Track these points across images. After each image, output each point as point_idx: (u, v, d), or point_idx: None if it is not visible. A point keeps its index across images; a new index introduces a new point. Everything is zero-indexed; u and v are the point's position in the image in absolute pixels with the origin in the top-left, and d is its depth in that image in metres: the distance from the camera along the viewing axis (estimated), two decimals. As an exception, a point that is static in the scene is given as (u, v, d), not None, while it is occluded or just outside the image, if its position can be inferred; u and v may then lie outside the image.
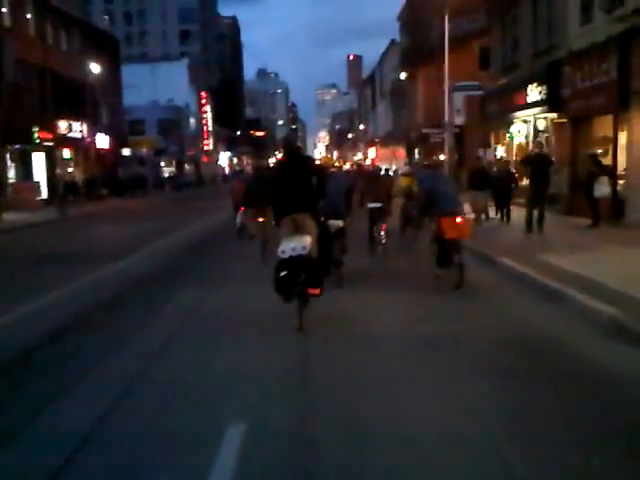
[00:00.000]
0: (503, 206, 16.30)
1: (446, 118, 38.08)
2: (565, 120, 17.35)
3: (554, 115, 18.03)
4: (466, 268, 8.98)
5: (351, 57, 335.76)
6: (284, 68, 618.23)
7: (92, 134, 39.09)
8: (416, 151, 46.47)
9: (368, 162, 78.88)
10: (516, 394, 4.89)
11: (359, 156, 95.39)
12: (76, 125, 36.63)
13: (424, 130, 42.62)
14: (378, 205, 12.07)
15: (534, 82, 18.34)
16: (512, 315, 7.58)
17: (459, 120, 23.02)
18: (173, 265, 12.51)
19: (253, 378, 5.35)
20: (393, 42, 59.32)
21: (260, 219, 12.31)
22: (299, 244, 6.48)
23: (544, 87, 17.64)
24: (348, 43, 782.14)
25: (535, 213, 13.87)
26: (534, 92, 18.30)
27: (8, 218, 23.14)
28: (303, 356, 6.00)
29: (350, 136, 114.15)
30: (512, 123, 20.82)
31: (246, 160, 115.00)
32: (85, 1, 45.13)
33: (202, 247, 15.37)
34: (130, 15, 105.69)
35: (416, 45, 47.49)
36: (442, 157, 44.18)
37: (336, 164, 65.82)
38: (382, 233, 11.98)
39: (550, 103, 17.44)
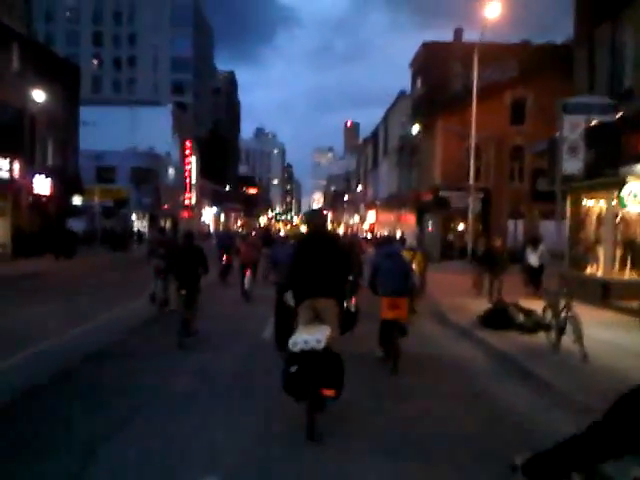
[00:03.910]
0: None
1: (471, 180, 30.54)
2: None
3: None
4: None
5: (349, 124, 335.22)
6: (281, 130, 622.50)
7: (28, 176, 31.01)
8: (429, 219, 38.59)
9: (366, 226, 71.43)
10: None
11: (356, 219, 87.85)
12: (3, 163, 28.60)
13: (442, 193, 34.92)
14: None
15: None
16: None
17: (573, 166, 11.96)
18: None
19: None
20: (402, 94, 52.40)
21: (183, 292, 10.27)
22: (313, 336, 5.74)
23: None
24: (345, 110, 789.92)
25: None
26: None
27: None
28: None
29: (346, 198, 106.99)
30: (624, 182, 12.82)
31: (234, 217, 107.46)
32: (30, 16, 37.46)
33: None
34: (119, 61, 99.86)
35: (433, 95, 40.46)
36: (461, 227, 36.55)
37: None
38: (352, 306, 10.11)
39: None
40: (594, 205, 15.62)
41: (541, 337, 10.39)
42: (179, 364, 8.83)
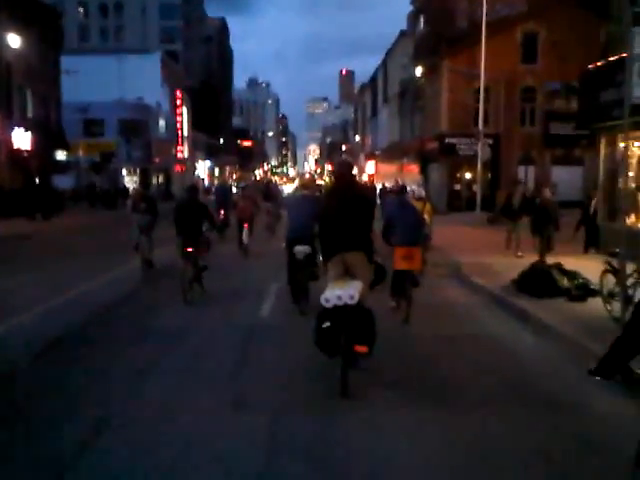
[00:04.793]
0: None
1: (480, 125, 28.47)
2: None
3: None
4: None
5: (343, 72, 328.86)
6: (275, 80, 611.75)
7: (6, 129, 28.90)
8: (434, 168, 36.59)
9: (365, 178, 69.39)
10: None
11: (354, 171, 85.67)
12: (-23, 115, 26.51)
13: (448, 140, 32.90)
14: None
15: None
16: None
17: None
18: None
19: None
20: (403, 34, 49.58)
21: (189, 249, 9.75)
22: (346, 292, 5.60)
23: None
24: (339, 59, 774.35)
25: None
26: None
27: None
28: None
29: (344, 148, 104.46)
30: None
31: (229, 171, 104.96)
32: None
33: None
34: (106, 7, 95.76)
35: (437, 33, 37.92)
36: (468, 175, 34.62)
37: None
38: None
39: None
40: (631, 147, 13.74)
41: (592, 305, 8.76)
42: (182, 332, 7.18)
